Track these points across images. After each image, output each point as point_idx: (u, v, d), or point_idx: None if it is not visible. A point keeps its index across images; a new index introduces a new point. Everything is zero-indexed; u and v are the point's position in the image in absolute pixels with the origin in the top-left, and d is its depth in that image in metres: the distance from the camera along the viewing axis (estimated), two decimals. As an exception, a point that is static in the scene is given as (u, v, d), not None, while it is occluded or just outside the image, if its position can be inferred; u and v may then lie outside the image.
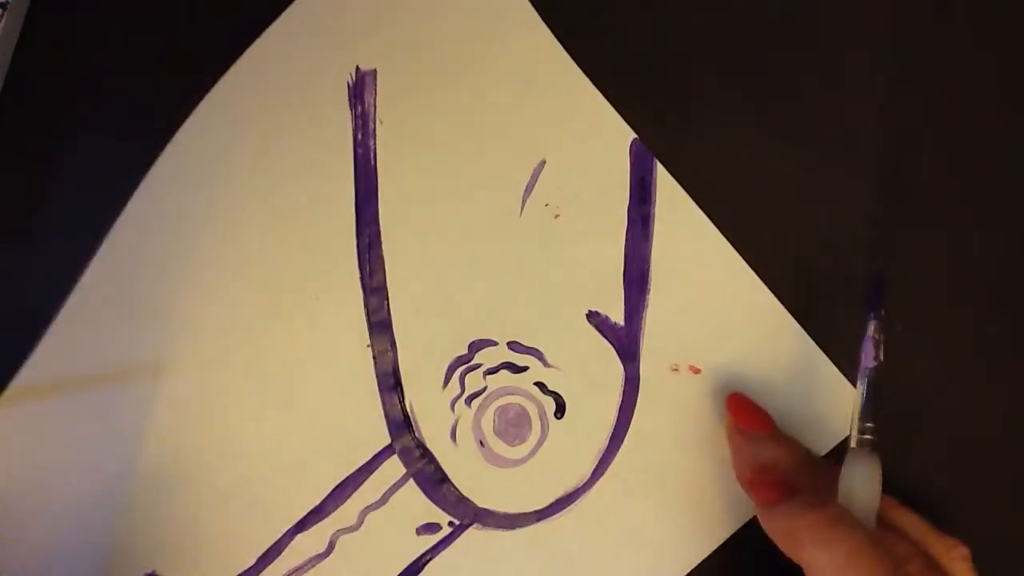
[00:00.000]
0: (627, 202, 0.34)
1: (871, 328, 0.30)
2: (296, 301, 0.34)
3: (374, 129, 0.34)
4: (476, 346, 0.34)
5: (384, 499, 0.34)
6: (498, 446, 0.34)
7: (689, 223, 0.34)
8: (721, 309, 0.34)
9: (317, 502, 0.33)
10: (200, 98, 0.34)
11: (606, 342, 0.34)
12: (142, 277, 0.33)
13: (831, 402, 0.34)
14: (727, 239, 0.34)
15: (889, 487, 0.29)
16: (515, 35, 0.34)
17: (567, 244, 0.34)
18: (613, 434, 0.34)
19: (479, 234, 0.34)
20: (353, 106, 0.34)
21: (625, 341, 0.34)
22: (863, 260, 0.34)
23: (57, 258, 0.33)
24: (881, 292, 0.30)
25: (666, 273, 0.34)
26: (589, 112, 0.34)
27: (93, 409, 0.33)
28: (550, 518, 0.34)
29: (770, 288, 0.34)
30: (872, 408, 0.29)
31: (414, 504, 0.34)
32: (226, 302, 0.34)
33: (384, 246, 0.34)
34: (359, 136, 0.34)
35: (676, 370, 0.34)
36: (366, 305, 0.34)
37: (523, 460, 0.34)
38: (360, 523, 0.33)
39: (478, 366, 0.34)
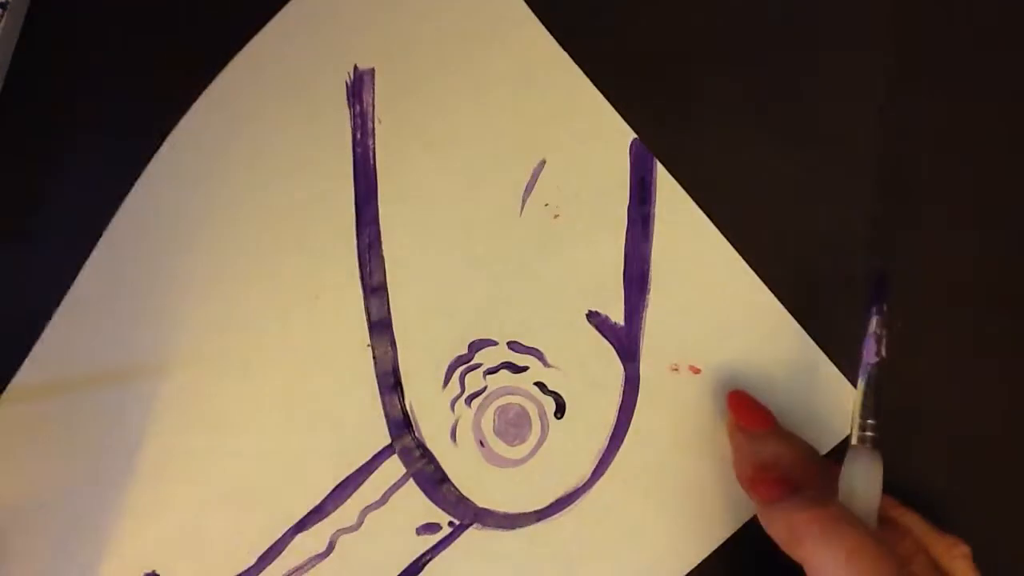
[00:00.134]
0: (627, 202, 0.34)
1: (873, 324, 0.30)
2: (296, 301, 0.34)
3: (373, 129, 0.34)
4: (476, 346, 0.34)
5: (384, 499, 0.34)
6: (498, 446, 0.34)
7: (689, 223, 0.34)
8: (721, 309, 0.34)
9: (317, 502, 0.33)
10: (199, 96, 0.34)
11: (606, 342, 0.34)
12: (141, 277, 0.33)
13: (831, 402, 0.34)
14: (727, 239, 0.34)
15: (889, 487, 0.29)
16: (514, 35, 0.34)
17: (567, 244, 0.34)
18: (613, 434, 0.34)
19: (479, 234, 0.34)
20: (351, 105, 0.34)
21: (625, 341, 0.34)
22: (863, 260, 0.34)
23: (57, 258, 0.33)
24: (883, 288, 0.30)
25: (666, 273, 0.34)
26: (589, 112, 0.34)
27: (92, 409, 0.33)
28: (550, 518, 0.34)
29: (770, 288, 0.34)
30: (873, 405, 0.29)
31: (414, 504, 0.34)
32: (226, 302, 0.34)
33: (384, 246, 0.34)
34: (358, 135, 0.34)
35: (676, 370, 0.34)
36: (366, 305, 0.34)
37: (523, 460, 0.34)
38: (360, 523, 0.33)
39: (478, 366, 0.34)
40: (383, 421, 0.34)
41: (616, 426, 0.34)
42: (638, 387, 0.34)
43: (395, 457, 0.34)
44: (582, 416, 0.34)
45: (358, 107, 0.34)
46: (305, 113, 0.34)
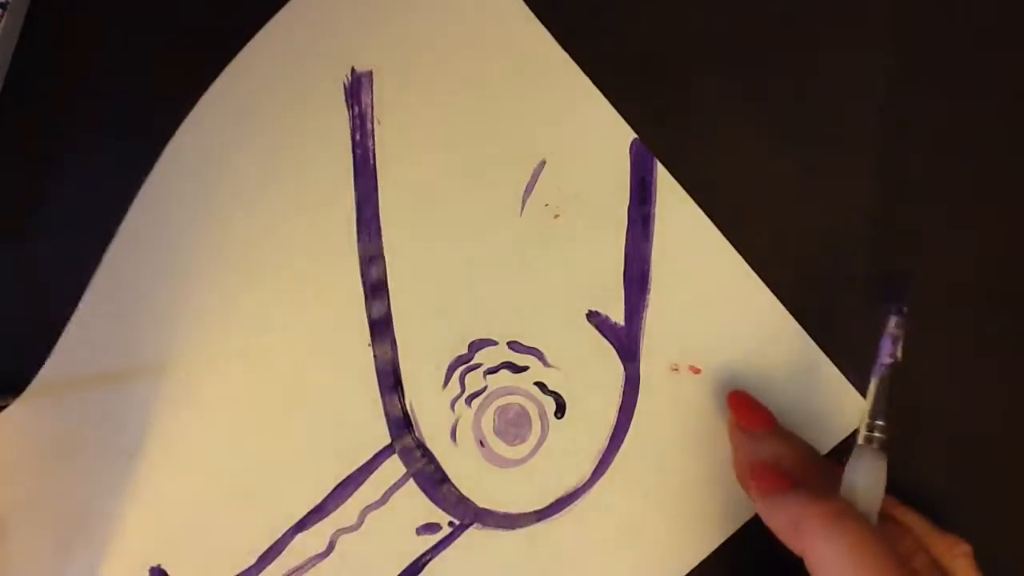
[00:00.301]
0: (627, 202, 0.34)
1: (892, 324, 0.29)
2: (297, 300, 0.34)
3: (372, 130, 0.34)
4: (476, 346, 0.34)
5: (384, 499, 0.34)
6: (498, 446, 0.34)
7: (689, 223, 0.34)
8: (721, 309, 0.34)
9: (317, 501, 0.33)
10: (199, 96, 0.34)
11: (606, 342, 0.34)
12: (143, 279, 0.33)
13: (831, 402, 0.34)
14: (727, 239, 0.34)
15: (890, 486, 0.29)
16: (514, 35, 0.34)
17: (567, 244, 0.34)
18: (613, 434, 0.34)
19: (479, 234, 0.34)
20: (350, 106, 0.34)
21: (625, 341, 0.34)
22: (863, 260, 0.34)
23: (57, 258, 0.33)
24: (904, 288, 0.30)
25: (666, 273, 0.34)
26: (589, 112, 0.34)
27: (97, 408, 0.33)
28: (550, 518, 0.34)
29: (770, 288, 0.34)
30: (883, 406, 0.29)
31: (414, 504, 0.34)
32: (226, 302, 0.34)
33: (384, 246, 0.34)
34: (357, 136, 0.34)
35: (676, 370, 0.34)
36: (367, 305, 0.34)
37: (523, 460, 0.34)
38: (360, 523, 0.33)
39: (478, 366, 0.34)
40: (383, 421, 0.34)
41: (616, 426, 0.34)
42: (638, 387, 0.34)
43: (395, 457, 0.34)
44: (582, 416, 0.34)
45: (357, 108, 0.34)
46: (305, 114, 0.34)
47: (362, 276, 0.34)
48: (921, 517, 0.30)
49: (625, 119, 0.34)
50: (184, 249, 0.34)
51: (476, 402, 0.34)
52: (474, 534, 0.34)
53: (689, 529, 0.33)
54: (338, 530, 0.33)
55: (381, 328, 0.34)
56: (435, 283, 0.34)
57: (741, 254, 0.34)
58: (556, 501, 0.34)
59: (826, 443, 0.33)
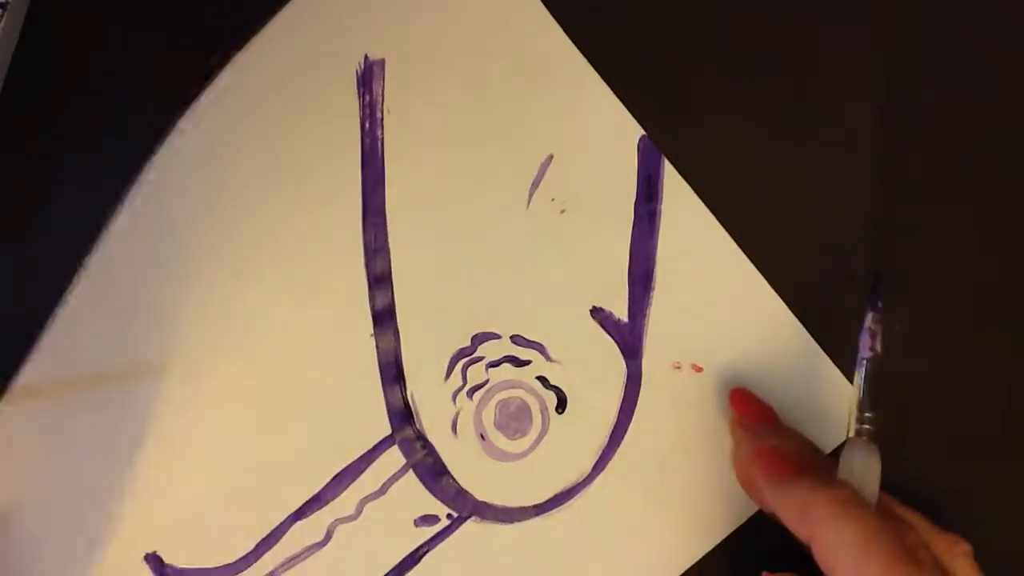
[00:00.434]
0: (634, 199, 0.34)
1: (868, 320, 0.30)
2: (300, 290, 0.34)
3: (382, 119, 0.34)
4: (479, 339, 0.34)
5: (383, 490, 0.33)
6: (499, 440, 0.34)
7: (695, 221, 0.34)
8: (725, 308, 0.34)
9: (316, 491, 0.33)
10: (200, 96, 0.34)
11: (609, 338, 0.34)
12: (145, 264, 0.34)
13: (832, 403, 0.34)
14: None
15: (889, 486, 0.29)
16: (525, 28, 0.35)
17: (572, 239, 0.34)
18: (614, 430, 0.34)
19: (485, 226, 0.34)
20: (361, 95, 0.34)
21: (628, 338, 0.34)
22: (863, 260, 0.34)
23: (57, 258, 0.33)
24: (879, 286, 0.31)
25: (671, 271, 0.34)
26: (598, 107, 0.34)
27: (98, 395, 0.33)
28: (549, 513, 0.34)
29: (772, 287, 0.34)
30: (870, 398, 0.29)
31: (413, 495, 0.33)
32: (230, 290, 0.34)
33: (390, 237, 0.34)
34: (367, 126, 0.34)
35: (678, 368, 0.34)
36: (370, 295, 0.34)
37: (523, 454, 0.34)
38: (359, 513, 0.33)
39: (480, 359, 0.34)
40: (384, 412, 0.34)
41: (617, 423, 0.34)
42: (640, 384, 0.34)
43: (395, 448, 0.34)
44: (583, 412, 0.34)
45: (367, 97, 0.34)
46: (315, 104, 0.34)
47: (366, 267, 0.34)
48: (921, 516, 0.30)
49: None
50: (186, 239, 0.34)
51: (478, 395, 0.34)
52: (472, 527, 0.33)
53: (688, 527, 0.33)
54: (336, 520, 0.33)
55: (384, 319, 0.34)
56: (439, 275, 0.34)
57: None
58: (555, 496, 0.34)
59: (828, 444, 0.33)
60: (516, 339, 0.34)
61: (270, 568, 0.33)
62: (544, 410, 0.34)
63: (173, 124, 0.34)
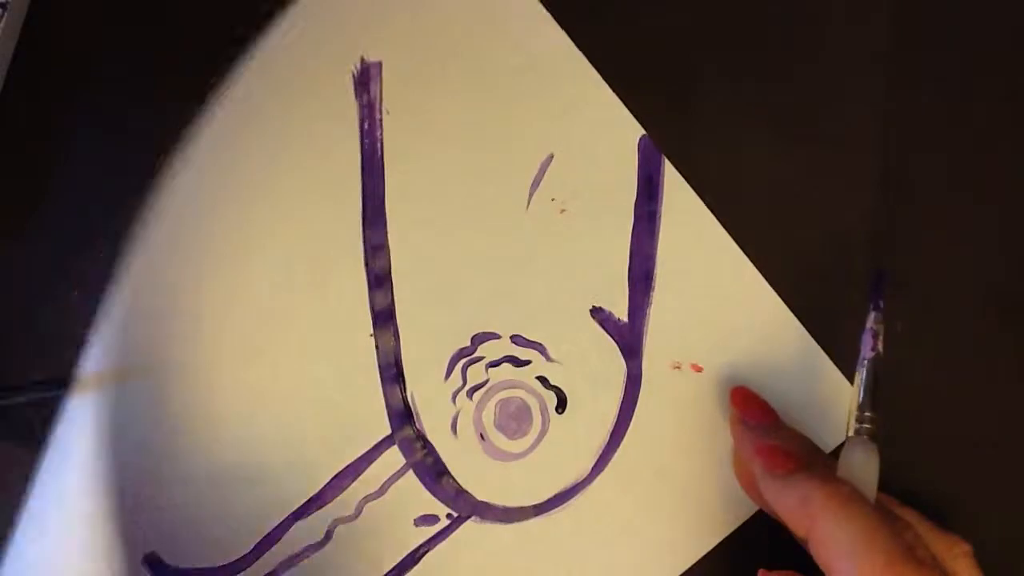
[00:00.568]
0: (634, 198, 0.34)
1: (871, 320, 0.30)
2: (300, 290, 0.34)
3: (380, 120, 0.34)
4: (479, 339, 0.34)
5: (383, 490, 0.33)
6: (499, 440, 0.34)
7: (695, 221, 0.34)
8: (725, 308, 0.34)
9: (316, 491, 0.33)
10: (200, 97, 0.34)
11: (609, 338, 0.34)
12: (144, 265, 0.33)
13: (832, 404, 0.34)
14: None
15: (889, 487, 0.29)
16: (524, 27, 0.34)
17: (572, 239, 0.34)
18: (614, 430, 0.34)
19: (485, 226, 0.34)
20: (359, 96, 0.34)
21: (628, 338, 0.34)
22: (863, 260, 0.34)
23: (57, 258, 0.33)
24: (880, 285, 0.31)
25: (671, 271, 0.34)
26: (598, 107, 0.34)
27: (95, 396, 0.33)
28: (548, 513, 0.34)
29: (772, 287, 0.34)
30: (870, 398, 0.29)
31: (413, 495, 0.33)
32: (230, 291, 0.34)
33: (389, 236, 0.34)
34: (366, 126, 0.34)
35: (678, 368, 0.34)
36: (370, 295, 0.34)
37: (523, 454, 0.34)
38: (358, 513, 0.33)
39: (480, 359, 0.34)
40: (384, 412, 0.34)
41: (617, 423, 0.34)
42: (640, 384, 0.34)
43: (395, 448, 0.34)
44: (583, 412, 0.34)
45: (365, 97, 0.34)
46: (314, 106, 0.34)
47: (366, 266, 0.34)
48: (922, 517, 0.30)
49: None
50: (184, 238, 0.33)
51: (477, 395, 0.34)
52: (472, 527, 0.34)
53: (687, 527, 0.33)
54: (336, 520, 0.33)
55: (384, 319, 0.34)
56: (439, 275, 0.34)
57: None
58: (555, 496, 0.34)
59: (828, 443, 0.33)
60: (516, 339, 0.34)
61: (270, 568, 0.33)
62: (544, 410, 0.34)
63: (173, 127, 0.34)
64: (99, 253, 0.33)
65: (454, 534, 0.34)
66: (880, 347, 0.30)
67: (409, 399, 0.34)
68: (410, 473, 0.34)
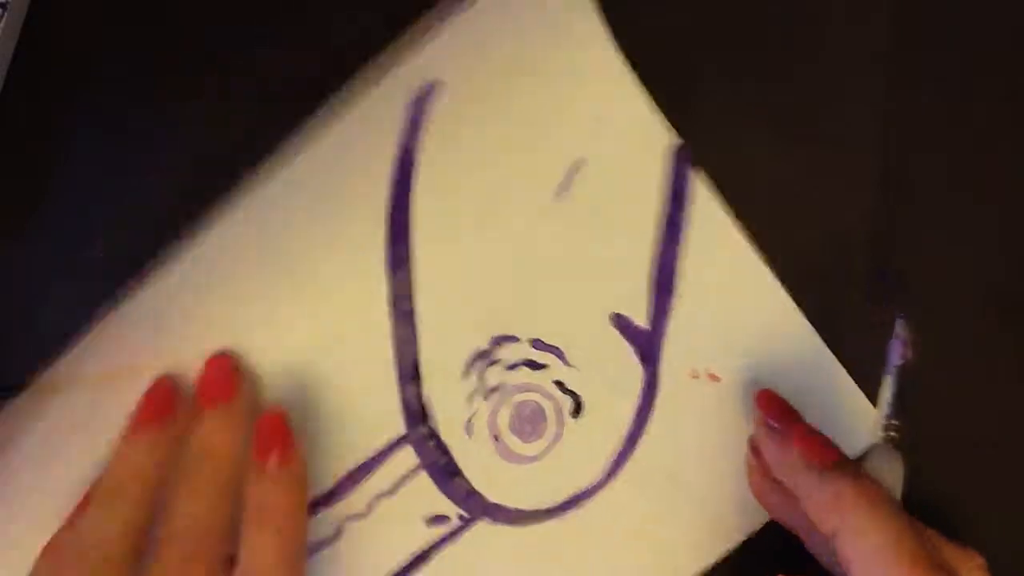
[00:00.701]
0: (660, 207, 0.34)
1: (898, 327, 0.31)
2: (321, 287, 0.33)
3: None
4: (498, 341, 0.34)
5: (395, 488, 0.33)
6: (513, 442, 0.34)
7: (720, 232, 0.34)
8: (745, 320, 0.34)
9: (328, 487, 0.33)
10: (200, 97, 0.33)
11: (628, 345, 0.34)
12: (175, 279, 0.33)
13: (850, 419, 0.34)
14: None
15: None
16: (566, 32, 0.34)
17: (596, 244, 0.34)
18: (629, 436, 0.34)
19: (509, 229, 0.34)
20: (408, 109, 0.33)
21: (647, 345, 0.34)
22: (866, 262, 0.34)
23: (57, 258, 0.33)
24: (901, 290, 0.31)
25: (693, 280, 0.34)
26: (629, 113, 0.34)
27: (110, 386, 0.32)
28: (560, 516, 0.34)
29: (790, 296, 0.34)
30: (898, 406, 0.29)
31: (425, 495, 0.33)
32: (248, 286, 0.33)
33: (412, 235, 0.34)
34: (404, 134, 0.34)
35: (696, 376, 0.34)
36: (390, 294, 0.33)
37: (537, 457, 0.34)
38: (369, 510, 0.33)
39: (498, 361, 0.34)
40: (399, 410, 0.33)
41: (632, 429, 0.34)
42: (656, 391, 0.34)
43: (409, 447, 0.33)
44: (599, 417, 0.34)
45: (416, 114, 0.33)
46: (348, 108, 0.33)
47: (388, 265, 0.33)
48: (935, 532, 0.30)
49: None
50: (209, 232, 0.33)
51: (493, 397, 0.34)
52: (483, 528, 0.33)
53: (700, 534, 0.34)
54: (347, 516, 0.33)
55: (403, 318, 0.34)
56: (461, 277, 0.34)
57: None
58: (567, 500, 0.34)
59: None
60: (535, 343, 0.34)
61: (278, 563, 0.32)
62: (559, 414, 0.34)
63: (172, 127, 0.33)
64: (99, 253, 0.33)
65: (465, 535, 0.33)
66: (910, 354, 0.30)
67: (425, 399, 0.34)
68: (423, 473, 0.33)
